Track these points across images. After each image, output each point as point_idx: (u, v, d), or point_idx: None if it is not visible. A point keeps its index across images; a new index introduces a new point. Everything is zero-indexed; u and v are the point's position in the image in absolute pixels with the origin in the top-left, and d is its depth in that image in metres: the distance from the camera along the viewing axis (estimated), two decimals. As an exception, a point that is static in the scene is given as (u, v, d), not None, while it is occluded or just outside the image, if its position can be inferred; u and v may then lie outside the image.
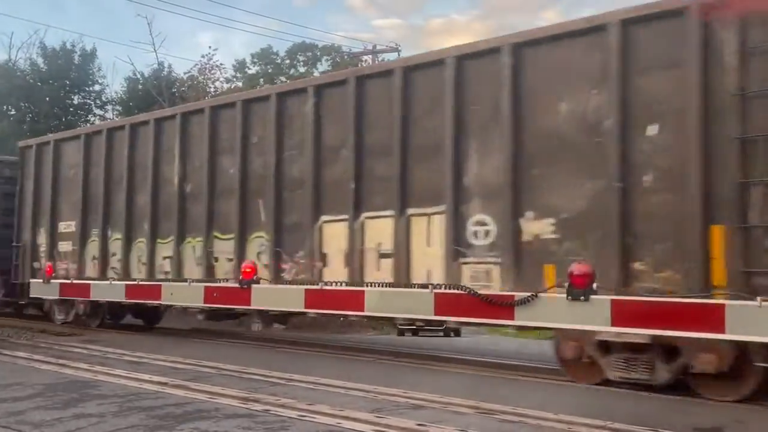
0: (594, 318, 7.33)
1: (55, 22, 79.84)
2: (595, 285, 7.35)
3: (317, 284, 9.82)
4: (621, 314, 7.18)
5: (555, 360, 8.21)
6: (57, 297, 14.11)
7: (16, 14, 65.93)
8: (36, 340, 11.90)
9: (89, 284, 13.35)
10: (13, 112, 34.28)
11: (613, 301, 7.24)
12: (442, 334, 21.23)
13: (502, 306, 7.96)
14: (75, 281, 13.71)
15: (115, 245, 13.23)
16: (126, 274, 12.90)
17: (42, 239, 14.83)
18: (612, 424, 5.61)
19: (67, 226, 14.29)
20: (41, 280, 14.33)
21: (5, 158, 18.15)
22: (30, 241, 15.06)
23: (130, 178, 13.06)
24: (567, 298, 7.46)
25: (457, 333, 22.50)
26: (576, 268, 7.44)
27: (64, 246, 14.32)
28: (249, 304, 10.68)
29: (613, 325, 7.21)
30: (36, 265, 14.92)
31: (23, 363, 9.07)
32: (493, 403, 6.36)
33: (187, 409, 6.10)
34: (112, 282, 12.90)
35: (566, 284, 7.50)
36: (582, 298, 7.35)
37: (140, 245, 12.75)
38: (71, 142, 14.56)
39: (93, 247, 13.68)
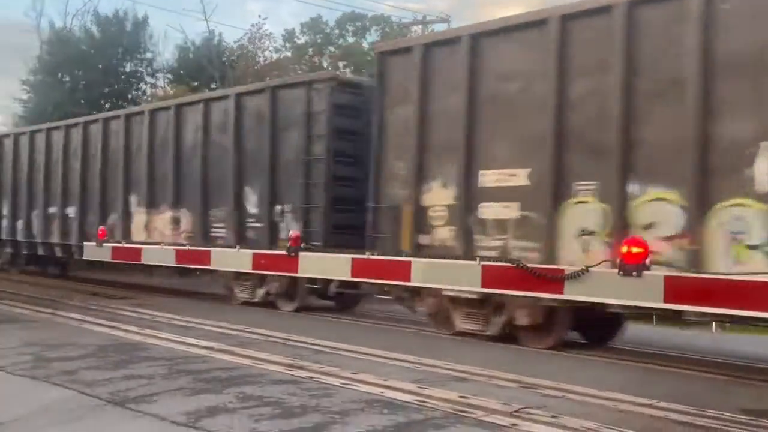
0: (647, 294, 7.15)
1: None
2: (648, 260, 7.15)
3: (365, 253, 9.80)
4: (674, 290, 6.98)
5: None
6: (109, 260, 14.44)
7: (72, -18, 66.84)
8: (88, 302, 12.19)
9: (140, 248, 13.60)
10: (67, 80, 34.88)
11: (666, 277, 7.04)
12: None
13: (552, 280, 7.82)
14: (126, 245, 13.98)
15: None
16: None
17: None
18: (657, 402, 5.49)
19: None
20: (94, 243, 14.64)
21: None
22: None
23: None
24: (618, 274, 7.28)
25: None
26: (629, 242, 7.25)
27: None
28: (296, 272, 10.74)
29: (665, 301, 7.01)
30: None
31: (76, 324, 9.29)
32: (537, 377, 6.29)
33: (233, 374, 6.17)
34: (163, 246, 13.11)
35: (618, 260, 7.32)
36: (634, 273, 7.17)
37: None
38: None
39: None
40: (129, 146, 14.82)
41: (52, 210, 16.90)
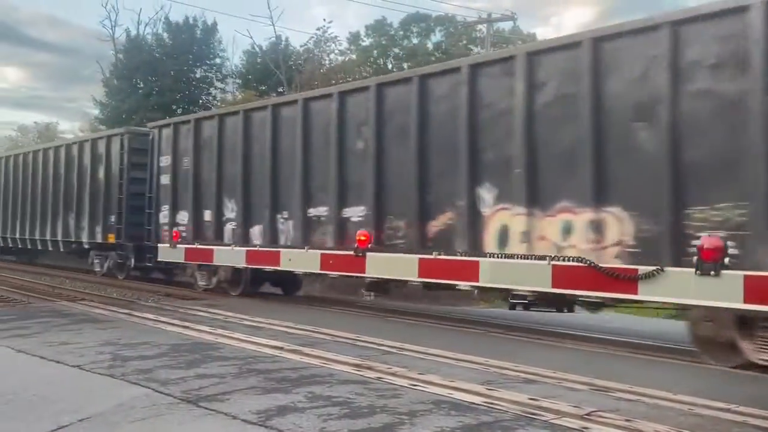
0: (725, 294, 6.89)
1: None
2: (727, 260, 6.89)
3: (431, 253, 9.77)
4: (755, 290, 6.71)
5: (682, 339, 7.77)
6: (182, 261, 14.79)
7: (144, -9, 68.91)
8: (162, 303, 12.53)
9: (212, 249, 13.88)
10: (141, 86, 35.97)
11: (746, 276, 6.77)
12: (554, 309, 20.75)
13: (625, 280, 7.62)
14: (199, 246, 14.30)
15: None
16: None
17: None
18: (736, 407, 5.29)
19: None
20: (168, 245, 15.03)
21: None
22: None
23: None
24: (696, 273, 7.04)
25: (571, 308, 21.91)
26: (706, 241, 7.01)
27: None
28: (364, 272, 10.79)
29: (746, 302, 6.75)
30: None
31: (150, 324, 9.56)
32: (608, 380, 6.14)
33: (303, 374, 6.23)
34: (234, 248, 13.35)
35: (695, 258, 7.08)
36: (712, 273, 6.92)
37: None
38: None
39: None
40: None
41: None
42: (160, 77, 35.29)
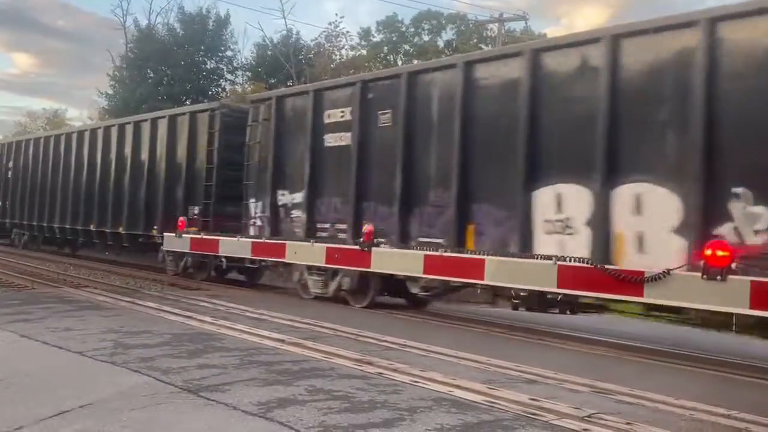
0: (732, 299, 6.86)
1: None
2: (734, 265, 6.86)
3: (437, 250, 9.75)
4: (761, 296, 6.67)
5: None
6: (188, 251, 14.71)
7: (157, -19, 69.01)
8: (165, 292, 12.55)
9: (218, 240, 13.86)
10: (152, 76, 36.00)
11: (753, 282, 6.74)
12: (557, 310, 20.67)
13: (631, 282, 7.60)
14: (205, 236, 14.28)
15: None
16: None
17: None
18: (737, 413, 5.26)
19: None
20: (174, 234, 15.03)
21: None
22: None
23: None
24: (702, 277, 7.01)
25: (574, 310, 21.85)
26: (713, 245, 6.97)
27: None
28: (369, 267, 10.78)
29: (752, 307, 6.71)
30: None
31: (153, 313, 9.58)
32: (610, 382, 6.12)
33: (304, 367, 6.23)
34: (240, 239, 13.33)
35: (702, 262, 7.05)
36: (719, 277, 6.89)
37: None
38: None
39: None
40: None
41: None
42: (170, 67, 35.32)
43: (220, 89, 37.81)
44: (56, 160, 21.63)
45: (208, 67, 37.69)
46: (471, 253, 9.42)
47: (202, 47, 36.80)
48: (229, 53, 38.51)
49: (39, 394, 5.18)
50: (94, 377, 5.73)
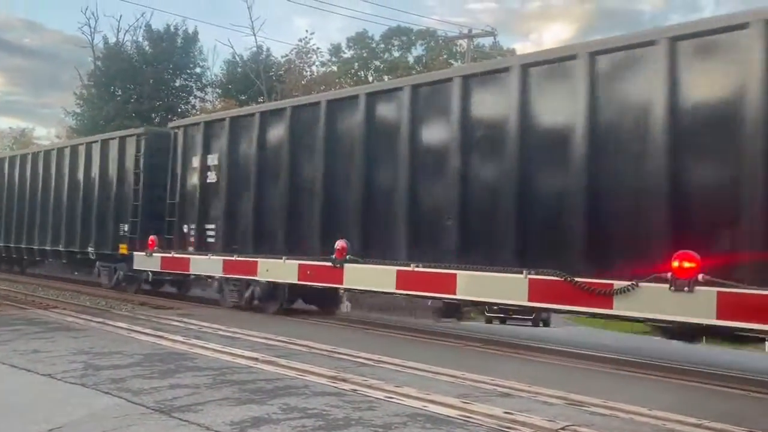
0: (699, 310, 6.96)
1: (161, 6, 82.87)
2: (701, 276, 6.97)
3: (409, 265, 9.78)
4: (727, 307, 6.78)
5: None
6: (158, 270, 14.62)
7: (124, -2, 68.63)
8: (136, 312, 12.40)
9: (189, 258, 13.76)
10: (119, 93, 35.71)
11: (719, 293, 6.86)
12: (530, 323, 20.82)
13: (600, 294, 7.68)
14: (176, 255, 14.16)
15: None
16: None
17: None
18: (708, 422, 5.33)
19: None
20: (144, 254, 14.87)
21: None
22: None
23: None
24: (670, 289, 7.11)
25: (546, 323, 22.02)
26: (680, 257, 7.08)
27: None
28: (341, 283, 10.77)
29: (718, 318, 6.83)
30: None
31: (124, 333, 9.45)
32: (583, 394, 6.17)
33: (278, 385, 6.19)
34: (211, 257, 13.25)
35: (670, 274, 7.15)
36: (686, 289, 7.00)
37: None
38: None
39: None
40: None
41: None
42: (139, 85, 35.09)
43: (189, 106, 37.61)
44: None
45: (176, 84, 37.50)
46: (443, 268, 9.45)
47: (171, 65, 36.61)
48: (198, 70, 38.43)
49: (7, 419, 5.08)
50: (63, 400, 5.63)
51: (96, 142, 18.38)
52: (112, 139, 17.72)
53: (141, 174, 16.27)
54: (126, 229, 16.46)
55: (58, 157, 19.80)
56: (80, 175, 18.58)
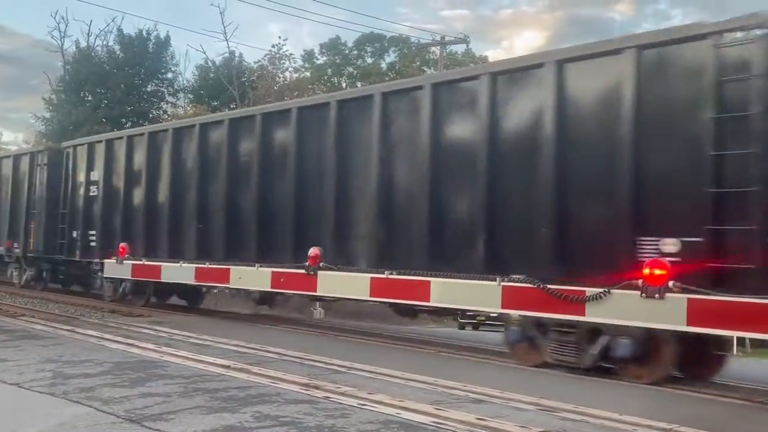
0: (670, 317, 7.05)
1: (132, 10, 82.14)
2: (671, 283, 7.07)
3: (383, 273, 9.77)
4: (697, 313, 6.89)
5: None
6: (129, 277, 14.45)
7: (95, 1, 67.92)
8: (106, 319, 12.23)
9: (160, 266, 13.62)
10: (89, 98, 35.28)
11: (689, 300, 6.95)
12: (503, 329, 20.87)
13: (573, 301, 7.75)
14: (147, 262, 14.01)
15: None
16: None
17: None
18: (678, 427, 5.40)
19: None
20: (115, 260, 14.68)
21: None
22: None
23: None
24: (641, 296, 7.20)
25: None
26: (651, 264, 7.17)
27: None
28: (315, 291, 10.72)
29: (689, 324, 6.92)
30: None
31: (94, 341, 9.32)
32: (556, 400, 6.21)
33: (250, 393, 6.15)
34: (183, 264, 13.13)
35: (641, 281, 7.24)
36: (657, 296, 7.09)
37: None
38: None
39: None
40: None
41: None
42: (109, 90, 34.70)
43: (161, 112, 37.27)
44: None
45: (148, 89, 37.13)
46: (414, 275, 9.45)
47: (142, 69, 36.25)
48: (170, 75, 38.09)
49: (-27, 429, 4.98)
50: (31, 409, 5.54)
51: (8, 157, 21.06)
52: (24, 154, 20.22)
53: (36, 188, 18.77)
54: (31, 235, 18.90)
55: None
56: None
